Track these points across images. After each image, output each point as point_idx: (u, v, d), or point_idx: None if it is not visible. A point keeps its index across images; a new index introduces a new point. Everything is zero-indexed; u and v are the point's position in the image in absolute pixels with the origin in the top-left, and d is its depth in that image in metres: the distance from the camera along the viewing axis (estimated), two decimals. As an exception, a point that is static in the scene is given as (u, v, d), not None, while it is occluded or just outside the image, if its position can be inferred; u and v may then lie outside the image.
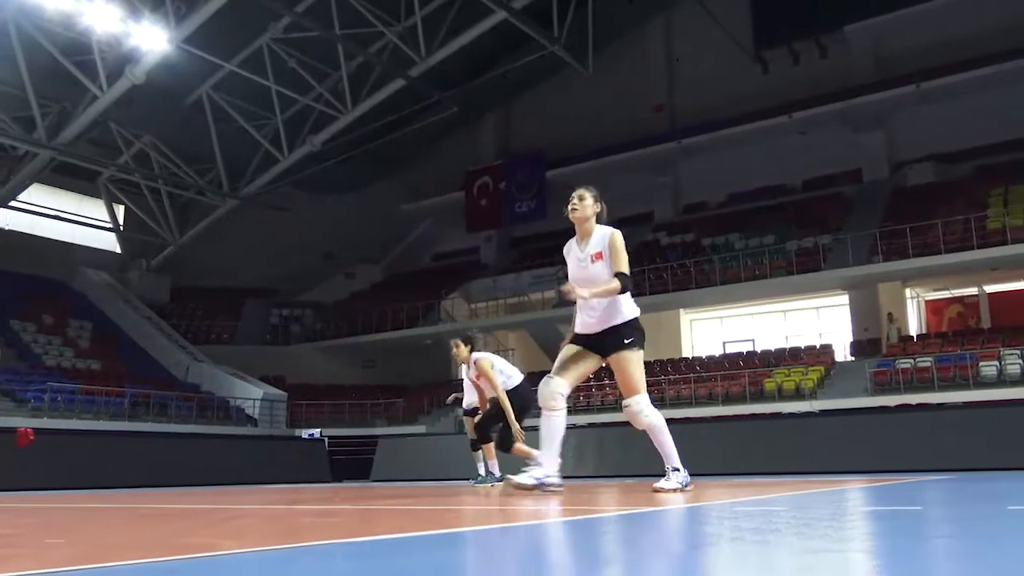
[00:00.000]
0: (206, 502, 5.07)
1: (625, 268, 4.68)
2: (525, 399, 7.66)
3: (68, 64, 20.29)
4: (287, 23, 22.33)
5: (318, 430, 21.86)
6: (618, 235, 4.74)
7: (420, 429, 22.17)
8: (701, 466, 13.45)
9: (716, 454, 14.10)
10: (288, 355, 26.94)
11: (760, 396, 18.61)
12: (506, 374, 7.92)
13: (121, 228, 28.04)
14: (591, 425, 18.81)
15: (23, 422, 16.05)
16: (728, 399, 18.95)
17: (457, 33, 22.60)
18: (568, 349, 4.87)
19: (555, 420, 4.76)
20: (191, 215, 27.89)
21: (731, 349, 23.36)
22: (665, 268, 22.63)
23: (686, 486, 4.84)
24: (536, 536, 2.51)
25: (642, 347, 4.78)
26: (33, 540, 2.56)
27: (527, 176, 28.96)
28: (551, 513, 3.45)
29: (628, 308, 4.78)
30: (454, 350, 8.00)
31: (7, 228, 25.04)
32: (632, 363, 4.70)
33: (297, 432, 22.05)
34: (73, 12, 18.71)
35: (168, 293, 27.87)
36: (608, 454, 15.82)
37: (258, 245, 27.97)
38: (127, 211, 27.83)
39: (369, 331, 26.15)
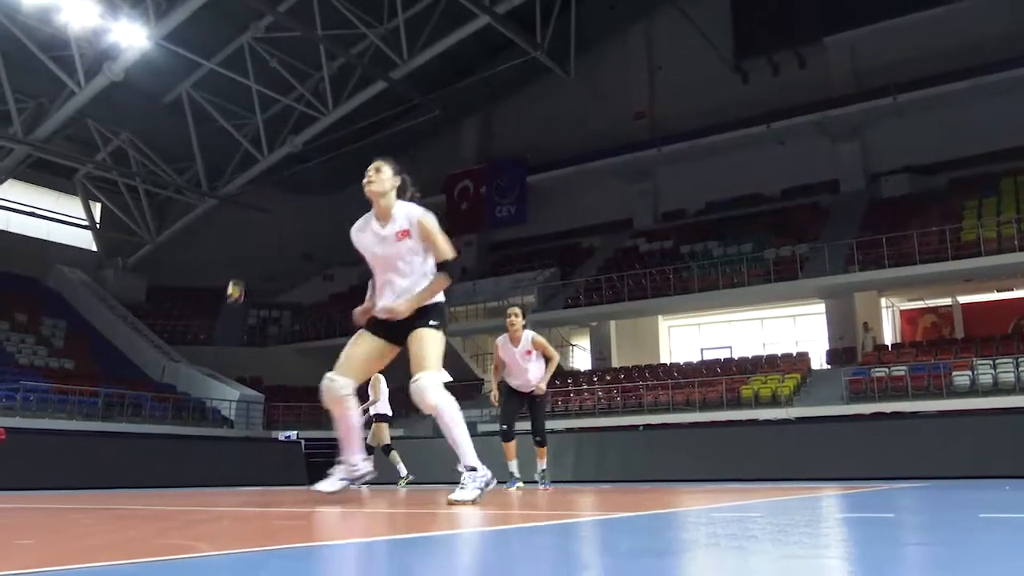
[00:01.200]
0: (181, 504, 5.03)
1: (448, 252, 4.25)
2: None
3: (45, 59, 20.08)
4: (269, 22, 22.24)
5: (295, 432, 21.73)
6: (430, 217, 4.26)
7: (397, 432, 22.05)
8: (678, 472, 13.56)
9: (693, 461, 14.18)
10: (266, 356, 26.77)
11: (737, 403, 18.71)
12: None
13: (97, 226, 27.76)
14: (569, 430, 18.83)
15: (-6, 421, 15.82)
16: (705, 405, 19.04)
17: (440, 36, 22.62)
18: (354, 342, 4.56)
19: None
20: (169, 214, 27.67)
21: (709, 356, 23.50)
22: (644, 274, 22.73)
23: (485, 487, 4.23)
24: (512, 541, 2.51)
25: (445, 332, 4.35)
26: (3, 540, 2.53)
27: (509, 180, 29.01)
28: (529, 518, 3.45)
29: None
30: (512, 319, 7.56)
31: (-20, 224, 24.72)
32: (432, 339, 4.24)
33: (274, 434, 21.90)
34: (50, 7, 18.52)
35: (144, 292, 27.60)
36: (585, 458, 15.83)
37: (236, 245, 27.78)
38: (104, 209, 27.56)
39: (347, 333, 25.92)
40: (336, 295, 30.65)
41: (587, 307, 23.40)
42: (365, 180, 4.25)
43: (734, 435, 15.62)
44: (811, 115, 23.98)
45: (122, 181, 26.31)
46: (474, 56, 26.35)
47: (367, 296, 4.66)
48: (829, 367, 20.35)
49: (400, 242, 4.26)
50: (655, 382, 20.63)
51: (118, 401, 20.03)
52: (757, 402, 18.45)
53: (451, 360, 26.15)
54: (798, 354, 21.39)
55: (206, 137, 24.95)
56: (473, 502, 4.04)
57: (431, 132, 29.69)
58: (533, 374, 7.58)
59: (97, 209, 27.77)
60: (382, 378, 10.91)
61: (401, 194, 4.33)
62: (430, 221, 4.24)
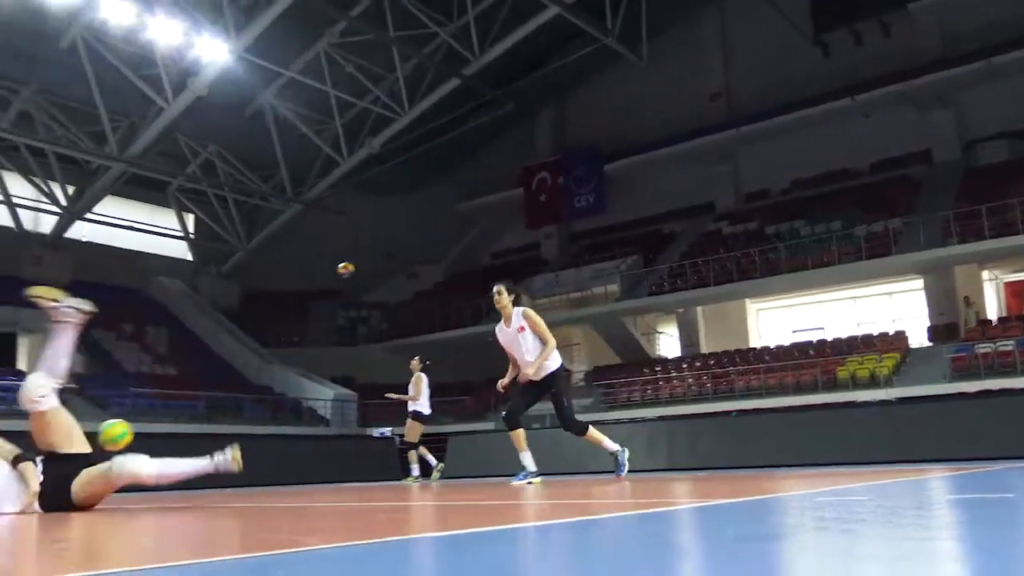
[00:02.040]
0: (283, 501, 5.18)
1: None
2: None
3: (134, 78, 20.91)
4: (343, 28, 22.65)
5: (388, 429, 22.14)
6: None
7: (488, 426, 22.26)
8: (774, 458, 13.26)
9: (789, 446, 13.83)
10: (356, 355, 27.34)
11: (833, 385, 18.18)
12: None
13: (191, 236, 28.84)
14: (660, 418, 18.65)
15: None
16: (799, 389, 18.57)
17: (510, 30, 22.64)
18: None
19: None
20: (257, 221, 28.53)
21: (801, 338, 22.89)
22: (728, 258, 22.29)
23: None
24: (612, 529, 2.49)
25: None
26: (127, 537, 2.65)
27: (585, 170, 28.88)
28: (627, 506, 3.42)
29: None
30: (496, 298, 6.93)
31: (84, 240, 25.97)
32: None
33: (368, 431, 22.36)
34: (136, 27, 19.27)
35: (238, 298, 28.57)
36: (678, 446, 15.65)
37: (322, 248, 28.40)
38: (196, 219, 28.62)
39: (433, 330, 26.36)
40: (421, 292, 31.10)
41: (672, 293, 23.09)
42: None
43: (831, 418, 15.16)
44: (898, 85, 23.08)
45: (212, 191, 27.25)
46: (545, 47, 26.26)
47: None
48: (930, 345, 19.57)
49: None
50: (746, 367, 20.23)
51: (220, 404, 20.78)
52: (854, 383, 17.88)
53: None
54: (896, 332, 20.63)
55: (288, 144, 25.62)
56: None
57: (505, 126, 29.77)
58: (532, 356, 6.87)
59: (190, 220, 28.85)
60: (424, 377, 11.02)
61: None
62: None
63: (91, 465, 4.19)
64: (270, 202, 27.45)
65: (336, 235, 28.26)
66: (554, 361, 6.95)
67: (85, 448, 4.38)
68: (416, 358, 11.37)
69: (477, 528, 2.56)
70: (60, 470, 4.21)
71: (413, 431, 11.01)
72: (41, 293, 4.77)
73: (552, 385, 6.90)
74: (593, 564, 1.71)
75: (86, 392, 19.73)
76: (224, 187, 26.87)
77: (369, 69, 24.23)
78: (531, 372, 6.77)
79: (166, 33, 19.44)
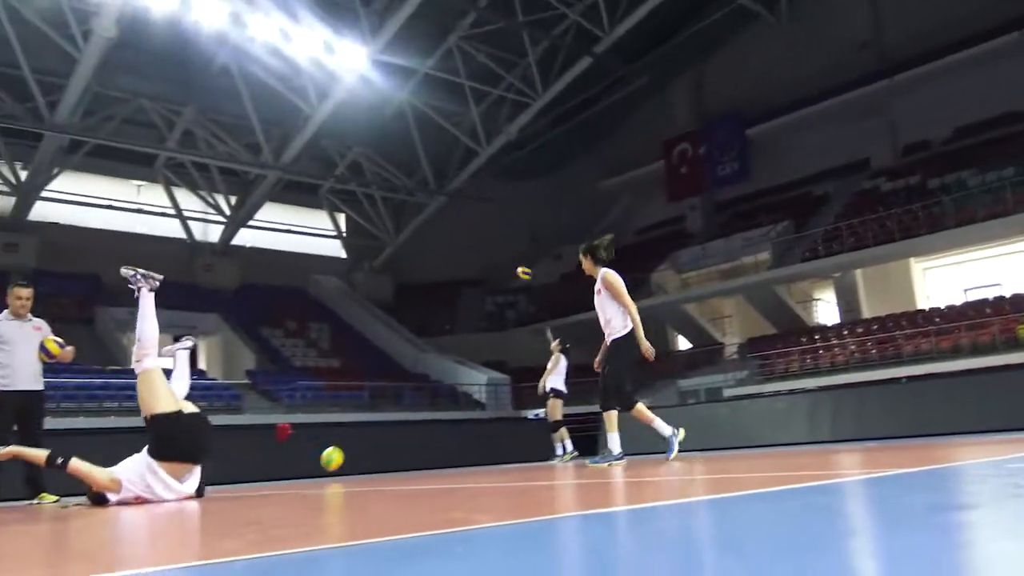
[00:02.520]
0: (448, 483, 5.33)
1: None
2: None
3: (283, 89, 22.03)
4: (472, 19, 22.95)
5: (542, 410, 22.37)
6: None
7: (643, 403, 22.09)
8: (951, 425, 12.45)
9: (967, 411, 12.95)
10: (506, 340, 27.79)
11: (1014, 344, 16.86)
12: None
13: (344, 235, 30.19)
14: (822, 388, 17.91)
15: (281, 418, 17.70)
16: (975, 351, 17.32)
17: (638, 3, 22.21)
18: None
19: None
20: (404, 215, 29.49)
21: (974, 296, 21.32)
22: (889, 216, 21.04)
23: None
24: (789, 502, 2.40)
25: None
26: (308, 521, 2.80)
27: (726, 138, 28.01)
28: (800, 479, 3.30)
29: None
30: (582, 259, 6.71)
31: (249, 246, 27.69)
32: None
33: (523, 413, 22.70)
34: (280, 41, 20.26)
35: (391, 291, 29.69)
36: (844, 416, 14.99)
37: (468, 236, 29.06)
38: (348, 218, 29.93)
39: (580, 311, 26.39)
40: (566, 274, 31.19)
41: (828, 258, 22.04)
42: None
43: (1013, 380, 14.07)
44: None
45: (360, 191, 28.39)
46: (677, 16, 25.64)
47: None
48: None
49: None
50: (914, 330, 19.07)
51: (381, 393, 21.68)
52: (1039, 342, 16.52)
53: (688, 326, 25.91)
54: (1084, 284, 18.86)
55: (428, 138, 26.28)
56: None
57: (642, 100, 29.29)
58: (607, 318, 6.64)
59: (342, 219, 30.21)
60: (563, 357, 10.92)
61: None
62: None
63: (176, 422, 4.80)
64: (415, 196, 28.29)
65: (480, 223, 28.81)
66: (622, 327, 6.57)
67: (173, 407, 4.89)
68: (556, 339, 11.40)
69: (643, 504, 2.54)
70: (162, 431, 4.76)
71: (554, 410, 11.06)
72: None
73: (613, 350, 6.58)
74: (781, 537, 1.66)
75: (258, 387, 21.09)
76: (371, 186, 27.92)
77: (501, 57, 24.45)
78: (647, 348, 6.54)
79: (308, 44, 20.34)
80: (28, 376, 6.71)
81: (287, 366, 22.98)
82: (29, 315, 6.87)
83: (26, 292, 6.86)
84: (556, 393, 11.02)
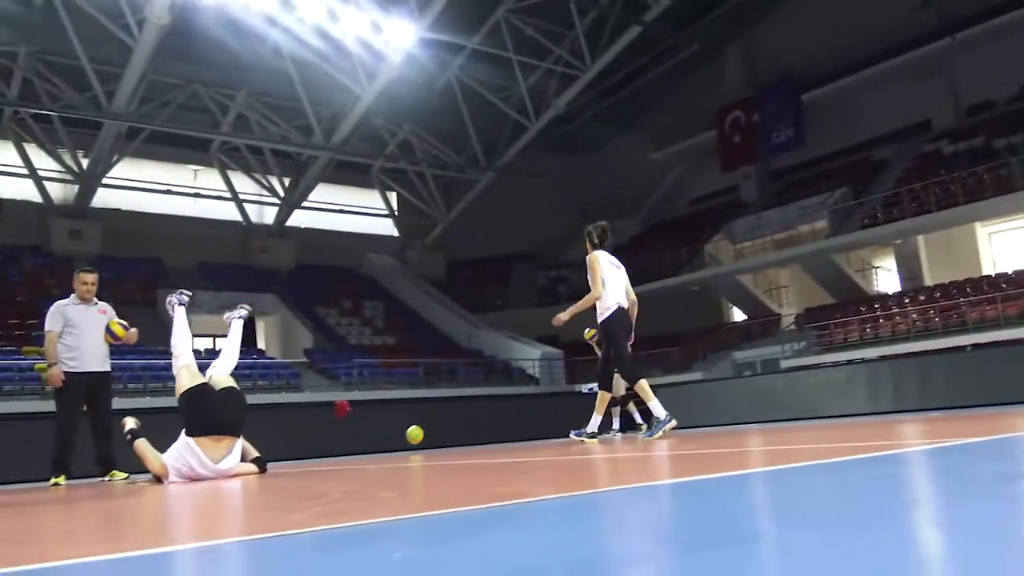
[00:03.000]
0: (505, 457, 5.37)
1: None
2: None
3: (332, 70, 22.18)
4: (520, -8, 22.77)
5: (596, 384, 22.36)
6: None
7: (696, 376, 21.95)
8: (1017, 393, 12.10)
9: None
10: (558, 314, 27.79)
11: (1086, 310, 16.29)
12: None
13: (396, 213, 30.42)
14: (883, 358, 17.56)
15: (339, 396, 18.01)
16: (1046, 317, 16.78)
17: (689, -33, 21.77)
18: None
19: None
20: (455, 192, 29.59)
21: (1043, 260, 20.60)
22: (952, 180, 20.40)
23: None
24: (851, 472, 2.37)
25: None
26: (371, 495, 2.85)
27: (781, 104, 27.37)
28: (866, 448, 3.25)
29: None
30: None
31: (303, 226, 28.09)
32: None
33: (576, 387, 22.72)
34: (328, 21, 20.38)
35: (443, 267, 29.87)
36: (906, 387, 14.69)
37: (518, 212, 29.03)
38: (399, 197, 30.14)
39: (635, 284, 26.21)
40: (618, 248, 30.89)
41: (888, 224, 21.48)
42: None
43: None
44: None
45: (411, 169, 28.53)
46: (727, -20, 25.11)
47: None
48: None
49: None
50: (979, 296, 18.53)
51: (435, 369, 21.89)
52: (1113, 306, 15.92)
53: (743, 298, 25.57)
54: None
55: (477, 114, 26.24)
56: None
57: (692, 68, 28.75)
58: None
59: (393, 198, 30.44)
60: None
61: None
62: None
63: (198, 396, 5.25)
64: (465, 173, 28.33)
65: (530, 198, 28.74)
66: (604, 308, 6.82)
67: (197, 381, 5.42)
68: None
69: (700, 476, 2.52)
70: (187, 406, 5.17)
71: (617, 384, 10.81)
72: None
73: (606, 332, 6.87)
74: (846, 507, 1.64)
75: (316, 365, 21.45)
76: (421, 163, 28.03)
77: (548, 29, 24.23)
78: (563, 317, 6.94)
79: (356, 24, 20.42)
80: (96, 358, 6.93)
81: (343, 344, 23.32)
82: (95, 299, 7.08)
83: (91, 277, 7.07)
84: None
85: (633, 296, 7.14)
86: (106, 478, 6.82)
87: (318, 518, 2.04)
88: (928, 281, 21.95)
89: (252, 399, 19.46)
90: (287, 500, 2.90)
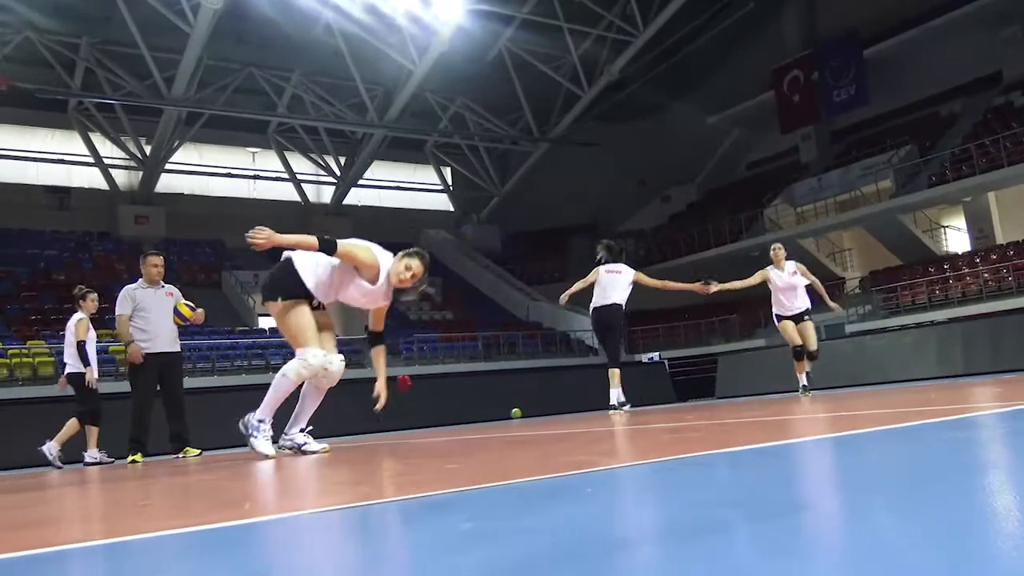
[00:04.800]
0: (566, 428, 5.39)
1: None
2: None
3: (383, 47, 22.24)
4: (569, -42, 22.44)
5: (657, 353, 22.25)
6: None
7: (759, 343, 21.65)
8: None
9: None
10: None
11: None
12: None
13: (451, 188, 30.51)
14: (952, 320, 17.06)
15: (401, 371, 18.24)
16: None
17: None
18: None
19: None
20: (509, 165, 29.50)
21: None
22: (1024, 133, 19.61)
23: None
24: (922, 437, 2.31)
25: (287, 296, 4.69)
26: (434, 466, 2.89)
27: (842, 60, 26.50)
28: (937, 413, 3.17)
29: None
30: (778, 252, 9.57)
31: (360, 204, 28.39)
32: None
33: (637, 357, 22.64)
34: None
35: (499, 241, 29.89)
36: (977, 349, 14.26)
37: (574, 183, 28.85)
38: (453, 171, 30.21)
39: (693, 251, 25.94)
40: (675, 215, 30.64)
41: (957, 182, 20.77)
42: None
43: None
44: None
45: (464, 143, 28.55)
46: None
47: None
48: None
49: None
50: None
51: (495, 343, 22.01)
52: None
53: (805, 262, 24.98)
54: None
55: (529, 85, 26.05)
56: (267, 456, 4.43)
57: (748, 29, 28.02)
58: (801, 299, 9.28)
59: (448, 173, 30.52)
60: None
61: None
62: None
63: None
64: (519, 145, 28.22)
65: (586, 168, 28.51)
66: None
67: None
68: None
69: (763, 443, 2.49)
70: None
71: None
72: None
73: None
74: (919, 471, 1.60)
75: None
76: (474, 137, 28.02)
77: (599, -5, 23.86)
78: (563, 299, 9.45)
79: (405, -2, 20.39)
80: (166, 339, 7.14)
81: (403, 320, 23.59)
82: (162, 282, 7.28)
83: (158, 260, 7.27)
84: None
85: (649, 281, 9.29)
86: (180, 455, 7.04)
87: (386, 490, 2.08)
88: (1000, 239, 21.21)
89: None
90: (356, 473, 2.95)
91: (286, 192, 27.48)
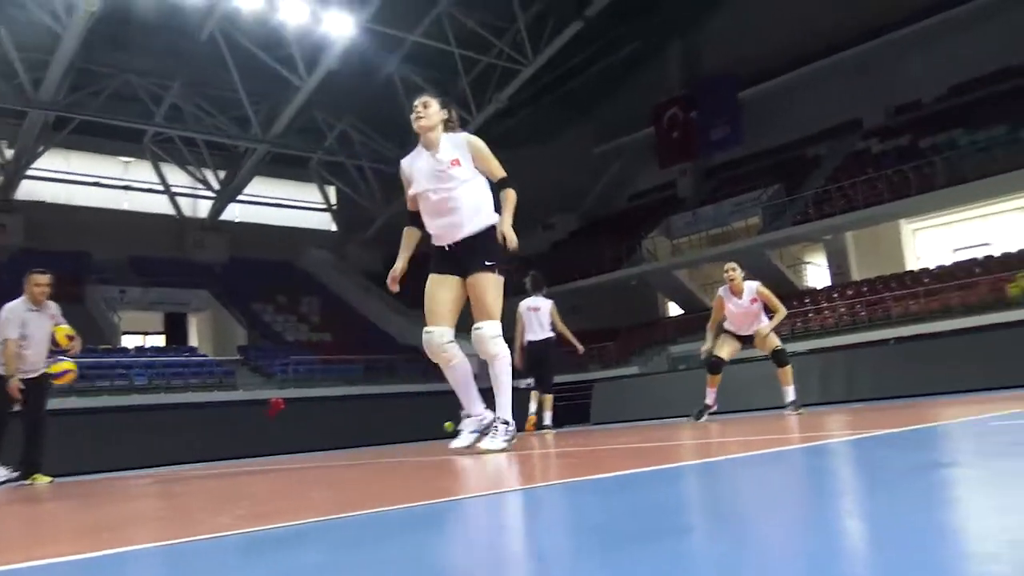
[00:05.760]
0: (441, 454, 5.37)
1: (501, 170, 4.46)
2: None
3: (270, 61, 21.79)
4: (461, -15, 22.69)
5: (532, 379, 22.44)
6: (476, 139, 4.46)
7: (633, 370, 22.24)
8: (941, 385, 12.56)
9: (956, 371, 13.06)
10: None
11: (1003, 304, 16.97)
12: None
13: (334, 207, 30.05)
14: (812, 351, 18.00)
15: (273, 394, 17.75)
16: (966, 310, 17.44)
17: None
18: (432, 291, 4.63)
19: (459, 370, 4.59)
20: (395, 187, 29.19)
21: (963, 256, 21.42)
22: (879, 178, 21.05)
23: (511, 441, 4.32)
24: (777, 464, 2.43)
25: (502, 272, 4.42)
26: (302, 494, 2.82)
27: (719, 101, 27.80)
28: (787, 441, 3.33)
29: (489, 211, 4.43)
30: (730, 274, 8.10)
31: (238, 220, 27.57)
32: (491, 284, 4.38)
33: (515, 383, 22.77)
34: (267, 10, 20.03)
35: (382, 263, 29.55)
36: (833, 379, 15.10)
37: (458, 207, 28.88)
38: (338, 190, 29.79)
39: (573, 279, 26.43)
40: (558, 243, 31.18)
41: (818, 221, 22.09)
42: (414, 116, 4.38)
43: (1002, 339, 14.18)
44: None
45: (350, 162, 28.20)
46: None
47: (401, 252, 5.00)
48: (1115, 253, 17.88)
49: (453, 169, 4.34)
50: (903, 291, 19.18)
51: (373, 365, 21.72)
52: (1029, 300, 16.62)
53: (679, 292, 25.98)
54: (1074, 242, 18.97)
55: (418, 108, 26.02)
56: (502, 451, 4.12)
57: (634, 64, 29.07)
58: (760, 324, 8.08)
59: (332, 192, 30.06)
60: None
61: (448, 127, 4.44)
62: (479, 141, 4.41)
63: None
64: (405, 167, 28.11)
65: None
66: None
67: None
68: None
69: (630, 471, 2.56)
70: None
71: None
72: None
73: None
74: (762, 498, 1.68)
75: (250, 362, 21.10)
76: (361, 157, 27.74)
77: (490, 23, 24.20)
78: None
79: (295, 13, 20.10)
80: (40, 363, 6.73)
81: (279, 341, 23.01)
82: (47, 301, 6.84)
83: (44, 279, 6.78)
84: None
85: (559, 322, 9.59)
86: (28, 481, 6.59)
87: (241, 521, 2.01)
88: (856, 276, 22.61)
89: (185, 398, 19.04)
90: (214, 501, 2.85)
91: (159, 205, 26.39)
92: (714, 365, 8.10)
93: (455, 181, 4.35)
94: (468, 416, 4.81)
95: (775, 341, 7.93)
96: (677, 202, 28.59)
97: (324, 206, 30.01)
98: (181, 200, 26.65)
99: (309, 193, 29.81)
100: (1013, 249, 19.98)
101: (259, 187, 27.70)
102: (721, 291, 8.03)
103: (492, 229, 4.39)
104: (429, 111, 4.37)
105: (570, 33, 23.75)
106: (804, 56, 25.41)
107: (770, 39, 26.36)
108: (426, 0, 23.19)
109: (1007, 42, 22.18)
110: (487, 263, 4.32)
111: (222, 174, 26.33)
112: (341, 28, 20.67)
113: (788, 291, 23.47)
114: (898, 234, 23.33)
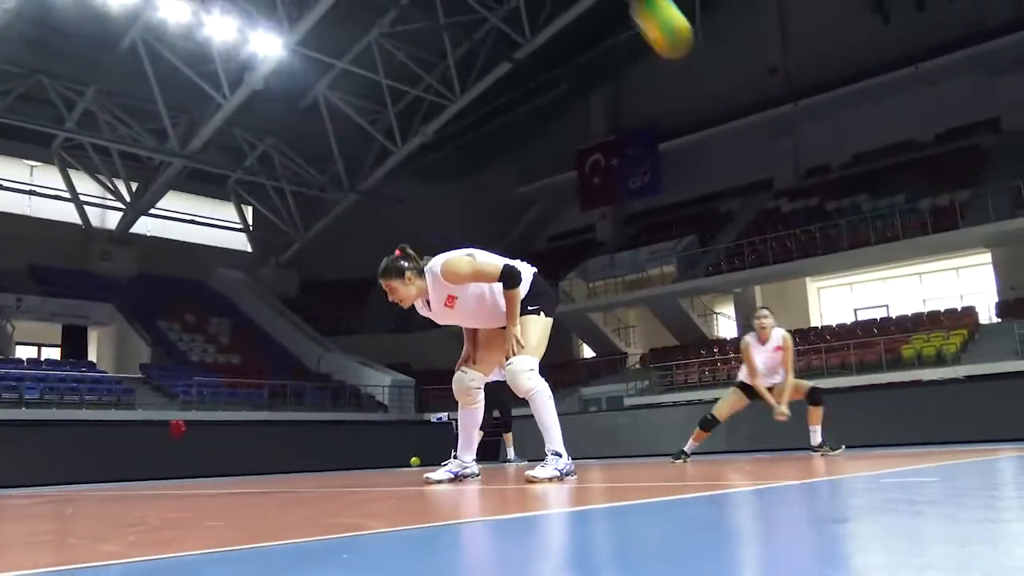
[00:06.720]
0: (344, 485, 5.27)
1: (494, 271, 4.28)
2: None
3: (192, 74, 21.36)
4: (393, 17, 22.79)
5: (446, 414, 22.30)
6: (451, 259, 4.32)
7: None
8: (835, 439, 13.00)
9: (853, 426, 13.55)
10: (413, 342, 27.57)
11: (898, 364, 17.77)
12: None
13: (251, 228, 29.43)
14: (718, 400, 18.41)
15: (175, 415, 17.13)
16: (863, 368, 18.18)
17: (561, 11, 22.48)
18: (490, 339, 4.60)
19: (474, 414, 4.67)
20: (315, 211, 28.94)
21: (864, 316, 22.39)
22: (788, 236, 21.89)
23: (567, 474, 4.18)
24: (669, 513, 2.47)
25: (545, 313, 4.40)
26: (195, 523, 2.72)
27: (639, 151, 28.55)
28: (682, 489, 3.39)
29: (523, 287, 4.34)
30: (762, 322, 7.76)
31: (148, 234, 26.71)
32: (528, 323, 4.28)
33: (426, 416, 22.59)
34: (193, 24, 19.68)
35: (297, 287, 29.07)
36: (737, 428, 15.47)
37: (379, 236, 28.50)
38: (255, 211, 29.21)
39: (489, 316, 26.42)
40: (477, 278, 31.21)
41: (729, 273, 22.79)
42: (391, 301, 4.36)
43: (896, 397, 14.83)
44: (966, 50, 22.21)
45: (269, 184, 27.74)
46: (598, 26, 26.04)
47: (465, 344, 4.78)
48: (1000, 321, 18.96)
49: (456, 307, 4.34)
50: (806, 346, 19.87)
51: (281, 391, 21.22)
52: (920, 362, 17.44)
53: (593, 335, 26.28)
54: (963, 308, 20.04)
55: (343, 134, 25.90)
56: (549, 480, 4.07)
57: (559, 108, 29.59)
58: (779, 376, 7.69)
59: (249, 212, 29.45)
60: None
61: (416, 269, 4.34)
62: (455, 265, 4.25)
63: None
64: (327, 192, 27.82)
65: (393, 223, 28.46)
66: None
67: None
68: None
69: (520, 513, 2.57)
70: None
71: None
72: None
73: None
74: (653, 548, 1.70)
75: (152, 381, 20.34)
76: (281, 179, 27.33)
77: (420, 57, 24.34)
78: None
79: (222, 29, 19.81)
80: None
81: (184, 361, 22.28)
82: None
83: None
84: None
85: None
86: None
87: (131, 548, 1.93)
88: (763, 329, 23.32)
89: (79, 415, 18.21)
90: (103, 527, 2.72)
91: (66, 213, 25.35)
92: (708, 424, 7.87)
93: (466, 309, 4.37)
94: (455, 458, 4.75)
95: (807, 383, 7.89)
96: (596, 245, 29.06)
97: (240, 226, 29.37)
98: (89, 210, 25.67)
99: (225, 212, 29.14)
100: (909, 312, 20.99)
101: (173, 202, 26.95)
102: (749, 337, 7.81)
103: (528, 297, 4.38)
104: (399, 294, 4.28)
105: (498, 73, 24.08)
106: (722, 114, 26.35)
107: (690, 95, 27.26)
108: (358, 28, 23.18)
109: (908, 117, 23.57)
110: (530, 308, 4.32)
111: (135, 186, 25.48)
112: (269, 48, 20.45)
113: (699, 339, 24.05)
114: (804, 291, 24.25)
